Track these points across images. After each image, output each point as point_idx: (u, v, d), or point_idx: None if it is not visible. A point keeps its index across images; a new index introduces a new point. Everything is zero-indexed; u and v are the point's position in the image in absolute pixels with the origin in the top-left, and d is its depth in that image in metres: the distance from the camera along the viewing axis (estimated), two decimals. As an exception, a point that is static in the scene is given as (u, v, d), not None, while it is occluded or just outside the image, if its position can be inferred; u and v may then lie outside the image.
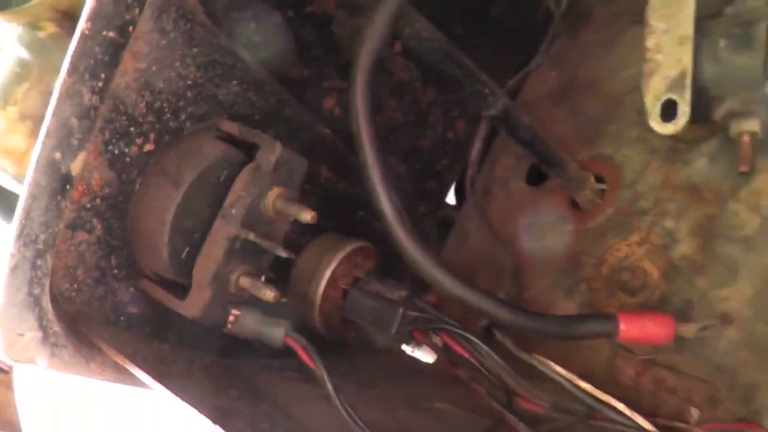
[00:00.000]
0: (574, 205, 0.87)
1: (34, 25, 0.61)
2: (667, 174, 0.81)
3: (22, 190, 0.48)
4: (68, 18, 0.62)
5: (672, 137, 0.74)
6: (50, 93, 0.47)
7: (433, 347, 0.72)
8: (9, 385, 1.31)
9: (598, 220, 0.84)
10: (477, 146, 0.86)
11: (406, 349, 0.75)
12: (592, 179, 0.85)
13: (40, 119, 0.48)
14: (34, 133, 0.59)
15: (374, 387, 0.75)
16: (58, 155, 0.48)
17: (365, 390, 0.73)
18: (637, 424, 0.63)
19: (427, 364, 0.78)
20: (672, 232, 0.79)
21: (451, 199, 1.06)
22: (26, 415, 1.29)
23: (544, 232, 0.88)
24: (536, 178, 0.92)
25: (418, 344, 0.75)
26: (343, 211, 0.79)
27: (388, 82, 0.86)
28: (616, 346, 0.75)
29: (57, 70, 0.48)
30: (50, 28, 0.62)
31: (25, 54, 0.60)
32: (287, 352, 0.64)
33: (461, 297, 0.67)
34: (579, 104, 0.91)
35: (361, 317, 0.72)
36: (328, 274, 0.72)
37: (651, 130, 0.73)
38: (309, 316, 0.73)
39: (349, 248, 0.73)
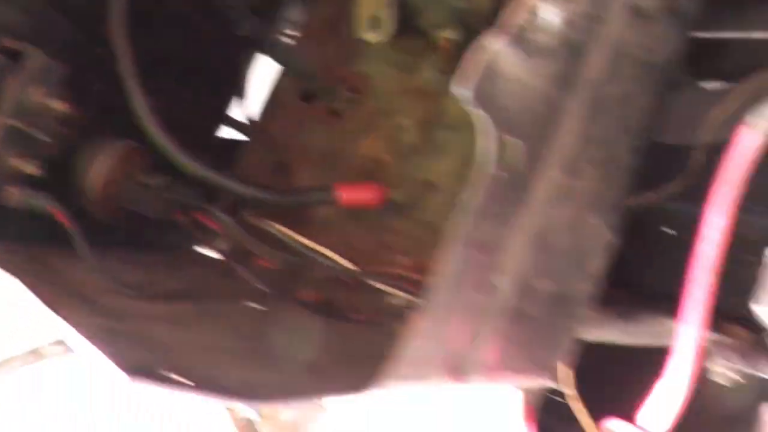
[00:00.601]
0: (336, 112, 1.04)
1: None
2: (402, 82, 0.99)
3: None
4: None
5: (402, 51, 0.93)
6: None
7: (190, 225, 0.87)
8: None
9: (351, 123, 1.01)
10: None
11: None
12: (346, 90, 1.02)
13: None
14: None
15: (147, 266, 0.90)
16: None
17: (136, 265, 0.87)
18: (344, 266, 0.81)
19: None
20: (402, 126, 0.97)
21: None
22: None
23: (311, 135, 1.04)
24: (308, 96, 1.09)
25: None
26: (116, 120, 0.93)
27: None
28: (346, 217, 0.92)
29: None
30: None
31: None
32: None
33: (205, 176, 0.83)
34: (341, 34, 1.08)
35: (134, 204, 0.87)
36: (103, 169, 0.87)
37: (392, 48, 0.91)
38: (89, 205, 0.87)
39: (120, 146, 0.88)
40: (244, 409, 1.07)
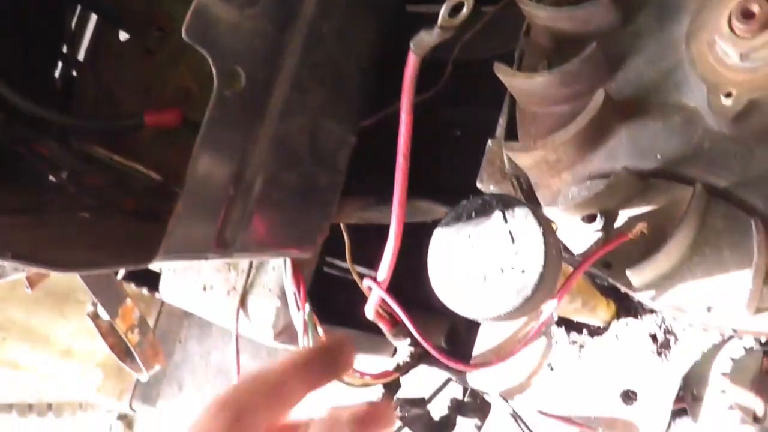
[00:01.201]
0: (148, 49, 1.18)
1: None
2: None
3: None
4: None
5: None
6: None
7: (29, 155, 1.01)
8: None
9: (162, 58, 1.16)
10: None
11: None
12: (154, 30, 1.17)
13: None
14: None
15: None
16: None
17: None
18: (154, 177, 0.97)
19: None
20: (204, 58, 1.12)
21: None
22: None
23: (131, 70, 1.19)
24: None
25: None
26: None
27: None
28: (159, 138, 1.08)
29: None
30: None
31: None
32: None
33: (32, 110, 0.97)
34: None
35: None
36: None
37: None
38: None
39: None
40: (102, 313, 1.23)
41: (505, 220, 0.57)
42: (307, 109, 0.80)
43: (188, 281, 1.00)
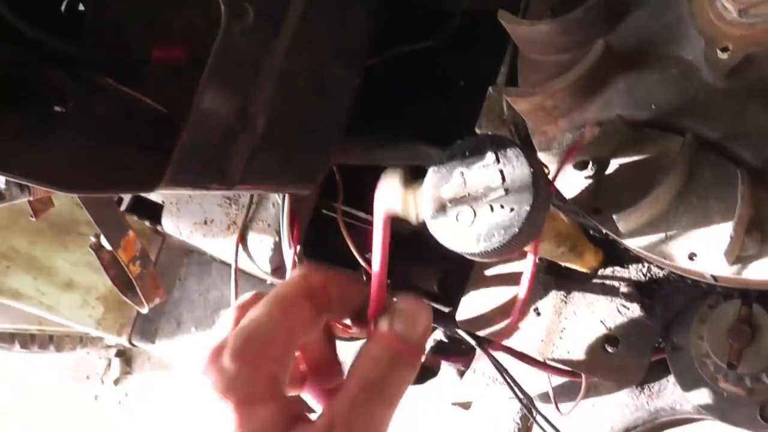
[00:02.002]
0: None
1: None
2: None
3: None
4: None
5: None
6: None
7: (39, 85, 1.03)
8: None
9: (171, -7, 1.17)
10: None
11: None
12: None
13: None
14: None
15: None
16: None
17: None
18: (158, 108, 0.99)
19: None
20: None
21: None
22: None
23: (136, 6, 1.19)
24: None
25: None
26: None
27: None
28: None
29: None
30: None
31: None
32: None
33: (41, 38, 0.99)
34: None
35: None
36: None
37: None
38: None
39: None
40: (104, 243, 1.26)
41: (498, 159, 0.59)
42: (313, 47, 0.82)
43: (190, 214, 1.03)
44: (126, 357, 2.84)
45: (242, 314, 0.59)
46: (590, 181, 0.75)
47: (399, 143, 1.03)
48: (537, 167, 0.60)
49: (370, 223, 1.30)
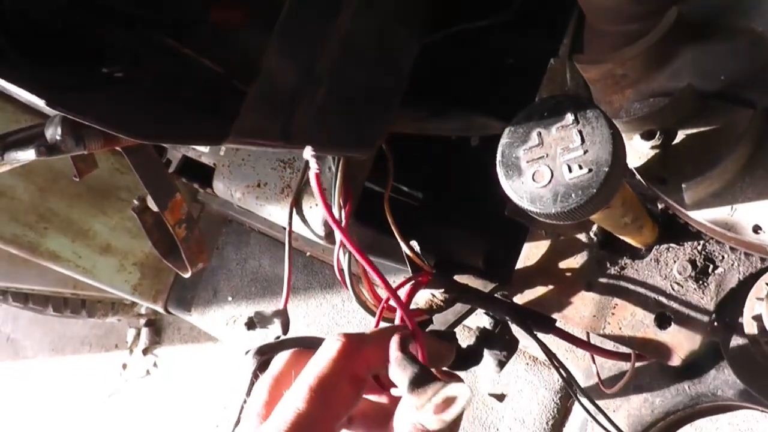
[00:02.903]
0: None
1: None
2: None
3: None
4: None
5: None
6: None
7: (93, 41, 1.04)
8: None
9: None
10: None
11: None
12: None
13: None
14: None
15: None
16: None
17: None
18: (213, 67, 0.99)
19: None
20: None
21: None
22: None
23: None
24: None
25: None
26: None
27: None
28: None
29: None
30: None
31: None
32: None
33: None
34: None
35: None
36: None
37: None
38: None
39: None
40: (151, 206, 1.27)
41: (577, 120, 0.59)
42: (379, 10, 0.81)
43: (242, 177, 1.03)
44: (155, 327, 2.86)
45: (277, 389, 0.59)
46: (657, 150, 0.75)
47: (453, 113, 1.02)
48: (616, 129, 0.59)
49: (415, 198, 1.30)
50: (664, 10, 0.75)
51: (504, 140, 0.61)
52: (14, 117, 1.80)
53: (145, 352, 2.92)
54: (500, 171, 0.61)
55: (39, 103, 0.61)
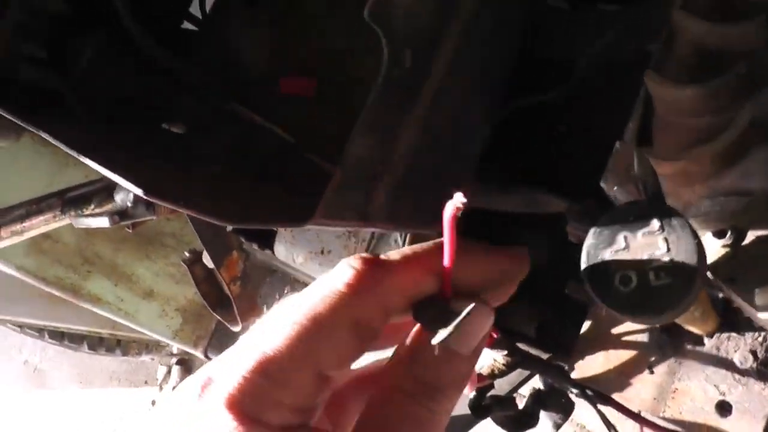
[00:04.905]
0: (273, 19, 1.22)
1: None
2: None
3: None
4: None
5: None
6: None
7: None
8: None
9: (291, 24, 1.21)
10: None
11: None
12: (291, -4, 1.21)
13: None
14: None
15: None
16: None
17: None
18: (285, 137, 1.02)
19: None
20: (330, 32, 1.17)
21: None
22: None
23: (256, 36, 1.23)
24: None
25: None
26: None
27: None
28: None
29: None
30: None
31: None
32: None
33: (171, 62, 1.03)
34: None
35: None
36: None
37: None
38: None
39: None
40: (206, 261, 1.30)
41: (662, 227, 0.60)
42: (456, 96, 0.84)
43: (306, 243, 1.05)
44: (187, 366, 2.88)
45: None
46: (727, 249, 0.76)
47: (520, 190, 1.04)
48: (699, 239, 0.60)
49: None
50: (736, 105, 0.77)
51: (590, 241, 0.63)
52: (64, 160, 1.85)
53: (175, 389, 2.93)
54: (585, 272, 0.62)
55: (136, 191, 0.64)
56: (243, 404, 0.42)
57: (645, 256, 0.60)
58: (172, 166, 0.87)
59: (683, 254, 0.59)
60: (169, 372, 2.95)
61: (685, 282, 0.58)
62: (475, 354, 0.49)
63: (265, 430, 0.42)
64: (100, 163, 0.71)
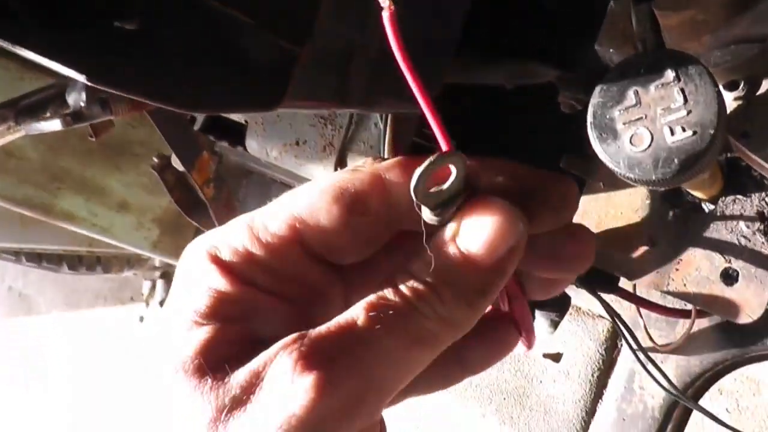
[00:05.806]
0: None
1: None
2: None
3: None
4: None
5: None
6: None
7: None
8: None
9: None
10: None
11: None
12: None
13: None
14: None
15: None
16: None
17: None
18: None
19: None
20: None
21: None
22: None
23: None
24: None
25: None
26: None
27: None
28: None
29: None
30: None
31: None
32: None
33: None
34: None
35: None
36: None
37: None
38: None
39: None
40: (176, 165, 1.22)
41: (678, 77, 0.54)
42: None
43: (279, 135, 0.98)
44: (170, 279, 2.84)
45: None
46: (740, 102, 0.70)
47: (502, 60, 0.96)
48: (719, 87, 0.54)
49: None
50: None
51: (595, 100, 0.56)
52: (18, 74, 1.73)
53: (162, 303, 2.91)
54: (593, 134, 0.56)
55: (79, 78, 0.55)
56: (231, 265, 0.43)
57: (659, 111, 0.54)
58: (108, 49, 0.78)
59: (702, 105, 0.53)
60: (153, 286, 2.92)
61: (705, 136, 0.52)
62: (499, 268, 0.42)
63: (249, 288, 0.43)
64: (38, 52, 0.62)
